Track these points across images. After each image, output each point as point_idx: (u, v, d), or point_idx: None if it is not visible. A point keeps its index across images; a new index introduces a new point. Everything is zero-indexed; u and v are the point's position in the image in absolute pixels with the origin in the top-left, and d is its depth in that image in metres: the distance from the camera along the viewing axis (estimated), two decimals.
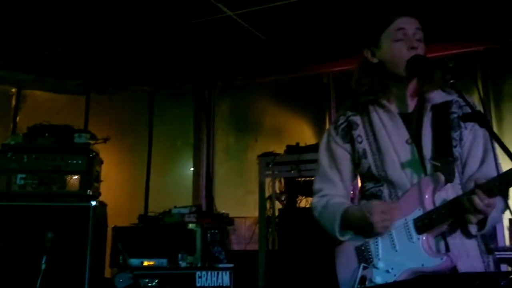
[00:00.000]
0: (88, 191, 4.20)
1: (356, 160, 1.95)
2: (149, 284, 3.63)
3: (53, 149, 4.24)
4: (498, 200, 1.65)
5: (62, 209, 4.09)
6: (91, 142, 4.41)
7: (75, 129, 4.46)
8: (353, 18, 4.29)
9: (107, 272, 4.48)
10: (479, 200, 1.58)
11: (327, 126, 5.37)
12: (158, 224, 4.68)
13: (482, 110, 1.64)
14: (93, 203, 4.13)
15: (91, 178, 4.25)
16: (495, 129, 4.67)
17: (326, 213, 1.94)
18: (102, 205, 4.40)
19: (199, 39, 4.96)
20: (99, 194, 4.42)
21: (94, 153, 4.33)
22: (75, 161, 4.21)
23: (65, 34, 4.79)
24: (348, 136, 1.96)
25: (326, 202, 1.96)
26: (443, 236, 1.75)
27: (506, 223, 4.18)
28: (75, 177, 4.22)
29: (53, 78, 5.88)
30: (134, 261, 3.84)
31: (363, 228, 1.79)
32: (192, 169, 6.09)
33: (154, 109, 6.28)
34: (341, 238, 1.87)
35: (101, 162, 4.56)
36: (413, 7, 1.91)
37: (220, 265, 4.02)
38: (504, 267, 3.68)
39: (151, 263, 3.86)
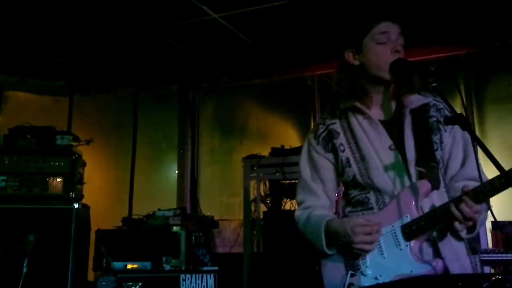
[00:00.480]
0: (71, 193, 4.15)
1: (340, 169, 1.93)
2: (133, 287, 3.59)
3: (34, 151, 4.18)
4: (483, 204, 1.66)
5: (44, 212, 4.03)
6: (74, 144, 4.35)
7: (58, 130, 4.41)
8: (337, 21, 4.32)
9: (90, 276, 4.43)
10: (467, 208, 1.60)
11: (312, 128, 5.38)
12: (142, 227, 4.63)
13: (463, 113, 1.65)
14: (76, 205, 4.08)
15: (73, 180, 4.20)
16: (477, 132, 4.73)
17: (309, 227, 1.91)
18: (85, 208, 4.35)
19: (183, 41, 4.94)
20: (82, 196, 4.37)
21: (76, 155, 4.28)
22: (57, 163, 4.15)
23: (49, 35, 4.74)
24: (329, 145, 1.94)
25: (308, 215, 1.94)
26: (433, 241, 1.76)
27: (488, 225, 4.23)
28: (58, 179, 4.17)
29: (36, 79, 5.82)
30: (117, 264, 3.80)
31: (345, 244, 1.78)
32: (176, 171, 6.06)
33: (138, 111, 6.24)
34: (329, 253, 1.84)
35: (84, 164, 4.51)
36: (396, 13, 1.91)
37: (205, 268, 3.99)
38: (487, 269, 3.73)
39: (135, 266, 3.82)
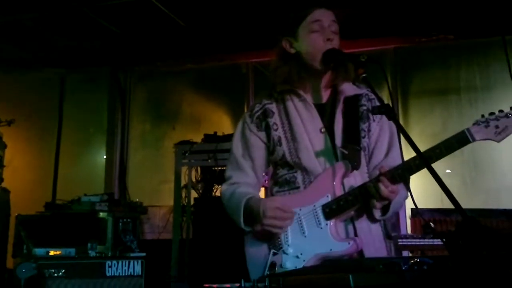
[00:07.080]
0: None
1: (271, 148, 1.97)
2: (55, 274, 3.45)
3: None
4: (400, 187, 1.78)
5: None
6: None
7: None
8: (274, 8, 4.33)
9: (10, 263, 4.24)
10: (383, 187, 1.71)
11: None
12: (66, 213, 4.47)
13: (390, 104, 1.71)
14: None
15: None
16: (401, 124, 4.93)
17: (232, 202, 1.95)
18: (4, 192, 4.15)
19: (116, 21, 4.78)
20: (2, 180, 4.17)
21: None
22: None
23: None
24: (263, 124, 1.98)
25: (233, 190, 1.98)
26: (352, 220, 1.84)
27: (408, 212, 4.46)
28: None
29: None
30: (39, 251, 3.63)
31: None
32: (105, 156, 5.89)
33: (66, 92, 6.00)
34: (246, 229, 1.89)
35: (5, 146, 4.30)
36: (329, 1, 1.95)
37: (132, 254, 3.91)
38: (405, 254, 3.93)
39: (58, 252, 3.67)
